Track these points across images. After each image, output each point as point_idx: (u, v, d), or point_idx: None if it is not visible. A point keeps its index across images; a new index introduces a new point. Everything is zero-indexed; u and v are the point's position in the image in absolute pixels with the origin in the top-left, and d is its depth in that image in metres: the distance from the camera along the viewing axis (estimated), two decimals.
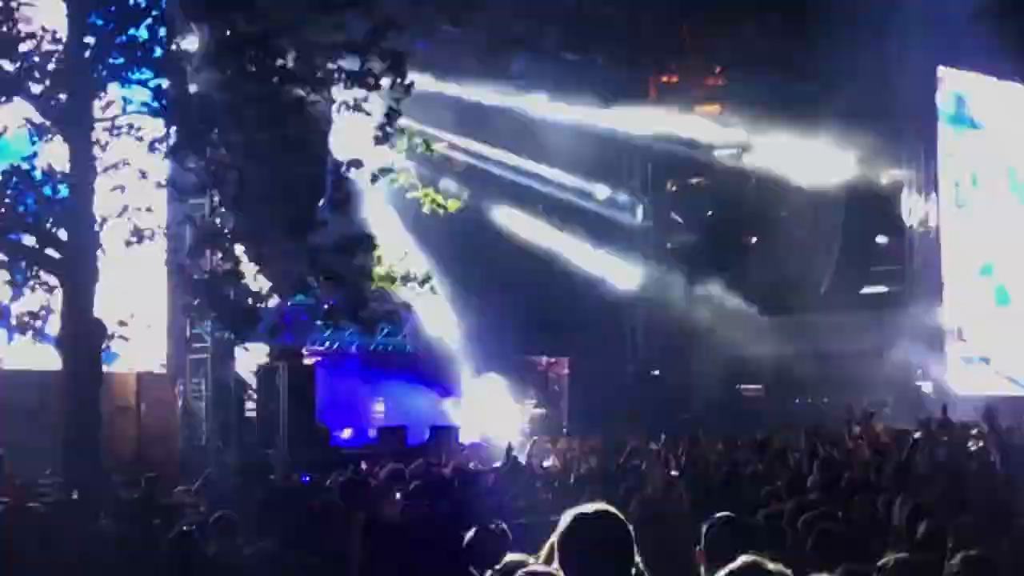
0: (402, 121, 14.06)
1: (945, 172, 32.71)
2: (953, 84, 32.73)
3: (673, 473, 13.27)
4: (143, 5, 12.49)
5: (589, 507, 4.64)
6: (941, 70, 32.08)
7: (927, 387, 29.55)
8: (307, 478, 11.50)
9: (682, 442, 17.08)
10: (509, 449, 15.86)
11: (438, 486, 11.41)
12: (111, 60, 12.32)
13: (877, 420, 20.52)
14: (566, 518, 4.70)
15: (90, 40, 12.20)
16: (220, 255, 13.35)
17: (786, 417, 24.83)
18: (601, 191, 35.41)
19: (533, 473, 15.24)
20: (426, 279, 12.81)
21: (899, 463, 13.31)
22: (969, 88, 33.09)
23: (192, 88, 12.85)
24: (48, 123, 12.26)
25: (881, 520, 9.60)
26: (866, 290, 32.51)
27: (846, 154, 33.14)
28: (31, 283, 12.22)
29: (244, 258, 13.01)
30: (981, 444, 17.65)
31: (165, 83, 12.75)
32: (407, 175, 14.31)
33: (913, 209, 33.00)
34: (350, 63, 13.20)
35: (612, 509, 4.63)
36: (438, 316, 28.88)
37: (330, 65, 13.02)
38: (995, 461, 14.80)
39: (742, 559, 4.25)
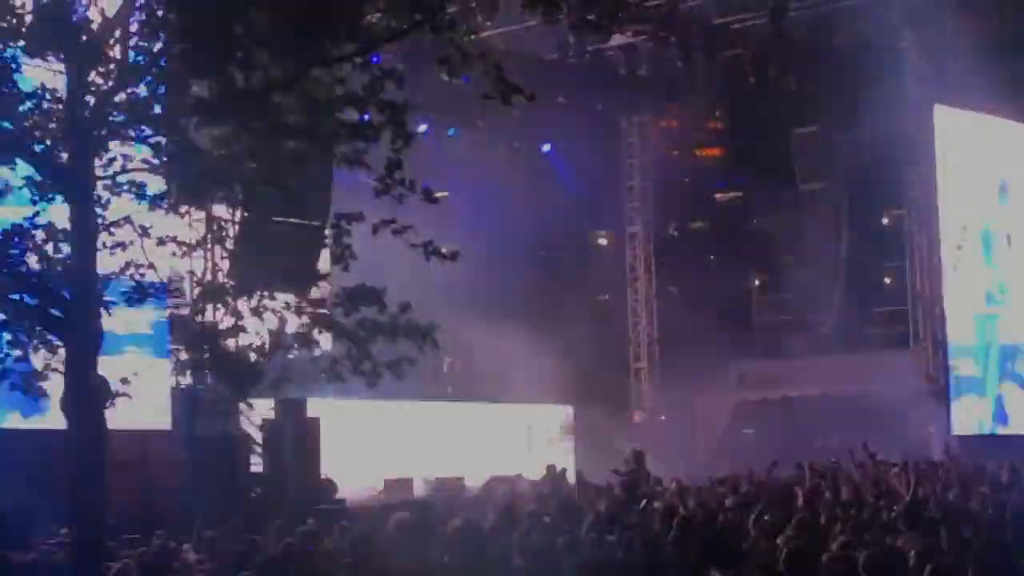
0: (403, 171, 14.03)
1: (948, 214, 32.69)
2: (951, 123, 32.80)
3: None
4: (142, 62, 12.54)
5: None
6: (938, 108, 32.17)
7: (932, 427, 29.49)
8: None
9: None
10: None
11: None
12: (111, 118, 12.35)
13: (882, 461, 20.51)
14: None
15: (90, 99, 12.24)
16: (222, 310, 13.35)
17: (791, 458, 24.78)
18: (603, 236, 35.49)
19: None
20: (428, 332, 12.76)
21: (908, 503, 13.28)
22: (966, 127, 33.19)
23: (192, 144, 12.88)
24: (49, 182, 12.27)
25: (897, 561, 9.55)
26: (870, 331, 32.52)
27: (847, 194, 33.28)
28: (34, 343, 12.21)
29: (246, 313, 13.00)
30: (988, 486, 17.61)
31: (165, 140, 12.77)
32: (408, 226, 14.30)
33: (916, 248, 33.02)
34: (349, 115, 13.21)
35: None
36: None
37: (329, 118, 13.02)
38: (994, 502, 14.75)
39: None
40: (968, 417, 31.33)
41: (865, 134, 31.34)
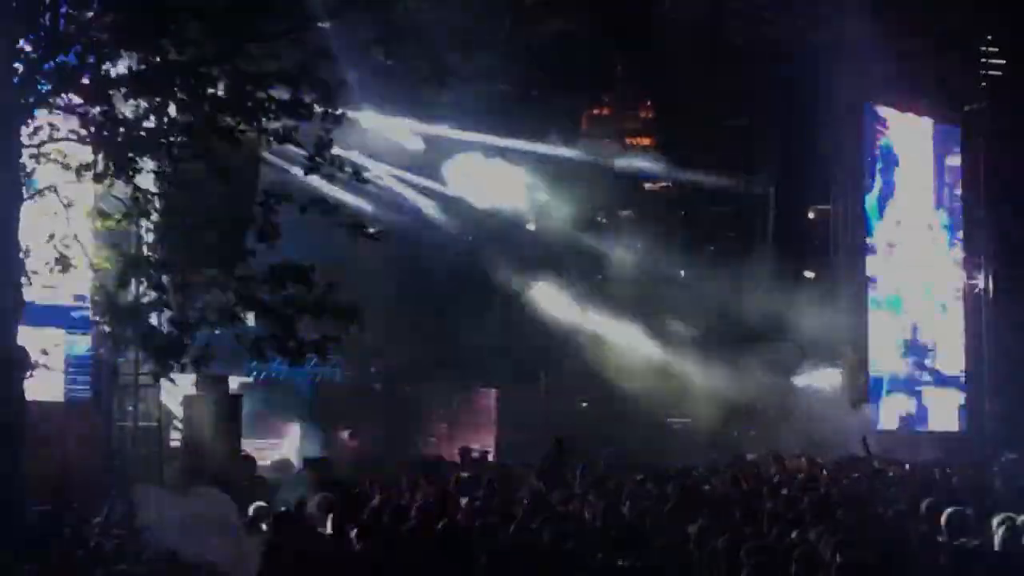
0: (333, 150, 14.01)
1: (874, 209, 33.09)
2: (881, 121, 33.17)
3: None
4: (72, 31, 12.42)
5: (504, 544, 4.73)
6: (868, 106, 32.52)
7: (852, 420, 29.83)
8: None
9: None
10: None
11: None
12: (39, 86, 12.24)
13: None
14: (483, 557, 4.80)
15: (18, 66, 12.12)
16: (145, 284, 13.27)
17: (713, 450, 25.01)
18: (530, 223, 35.37)
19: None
20: (353, 312, 12.77)
21: (817, 496, 13.45)
22: (893, 125, 33.60)
23: (120, 115, 12.78)
24: None
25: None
26: (794, 322, 32.73)
27: (775, 189, 33.54)
28: None
29: (170, 287, 12.94)
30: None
31: (93, 110, 12.67)
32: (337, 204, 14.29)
33: (841, 244, 33.33)
34: (281, 92, 13.17)
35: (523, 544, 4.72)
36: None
37: (260, 94, 12.97)
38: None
39: None
40: (890, 414, 31.79)
41: (794, 129, 31.61)
